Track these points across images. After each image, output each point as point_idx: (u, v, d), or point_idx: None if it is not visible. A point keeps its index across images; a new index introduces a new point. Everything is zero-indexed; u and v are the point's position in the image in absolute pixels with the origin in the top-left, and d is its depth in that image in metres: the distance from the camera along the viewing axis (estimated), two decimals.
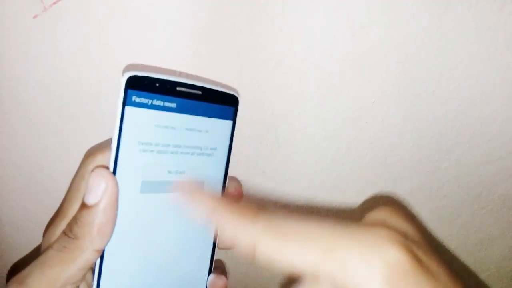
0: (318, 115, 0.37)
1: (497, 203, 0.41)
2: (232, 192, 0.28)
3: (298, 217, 0.18)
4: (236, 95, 0.27)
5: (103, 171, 0.21)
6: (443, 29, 0.34)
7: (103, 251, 0.22)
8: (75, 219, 0.21)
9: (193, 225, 0.26)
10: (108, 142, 0.22)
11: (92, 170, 0.21)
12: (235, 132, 0.27)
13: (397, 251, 0.16)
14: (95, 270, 0.22)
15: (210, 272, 0.27)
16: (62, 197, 0.34)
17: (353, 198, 0.41)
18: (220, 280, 0.28)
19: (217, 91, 0.25)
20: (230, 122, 0.27)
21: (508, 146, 0.38)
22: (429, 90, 0.36)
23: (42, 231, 0.26)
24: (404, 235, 0.17)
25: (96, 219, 0.20)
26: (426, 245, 0.18)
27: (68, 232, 0.21)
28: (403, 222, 0.18)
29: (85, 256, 0.20)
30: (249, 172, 0.40)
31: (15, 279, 0.20)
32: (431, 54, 0.35)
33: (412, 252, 0.16)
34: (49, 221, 0.24)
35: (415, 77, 0.36)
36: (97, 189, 0.20)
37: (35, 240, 0.44)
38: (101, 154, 0.23)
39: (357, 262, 0.16)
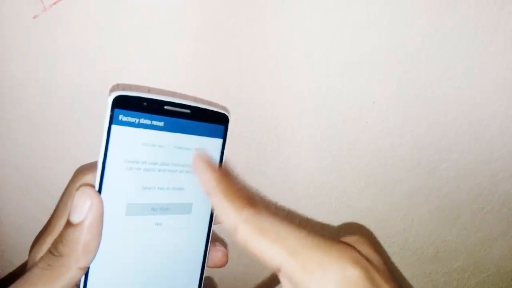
0: (318, 115, 0.37)
1: (497, 203, 0.41)
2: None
3: (280, 220, 0.21)
4: (226, 114, 0.27)
5: (88, 190, 0.21)
6: (443, 29, 0.34)
7: (88, 270, 0.22)
8: (60, 237, 0.21)
9: (181, 246, 0.26)
10: None
11: (77, 189, 0.21)
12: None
13: (355, 268, 0.18)
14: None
15: (200, 286, 0.27)
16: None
17: (353, 198, 0.41)
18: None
19: (207, 109, 0.25)
20: (220, 140, 0.27)
21: (508, 146, 0.38)
22: (429, 90, 0.36)
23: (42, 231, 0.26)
24: (366, 259, 0.19)
25: (81, 237, 0.21)
26: (386, 273, 0.19)
27: (53, 250, 0.21)
28: (370, 249, 0.20)
29: (70, 274, 0.20)
30: (249, 172, 0.40)
31: None
32: (431, 54, 0.35)
33: (368, 273, 0.18)
34: (35, 237, 0.25)
35: (415, 77, 0.36)
36: (82, 208, 0.21)
37: None
38: (90, 173, 0.23)
39: (315, 268, 0.18)
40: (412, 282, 0.46)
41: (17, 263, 0.43)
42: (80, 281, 0.22)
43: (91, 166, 0.23)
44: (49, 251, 0.21)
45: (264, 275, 0.44)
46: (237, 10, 0.33)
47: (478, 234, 0.43)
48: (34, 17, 0.32)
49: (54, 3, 0.32)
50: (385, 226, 0.42)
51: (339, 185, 0.41)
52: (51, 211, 0.26)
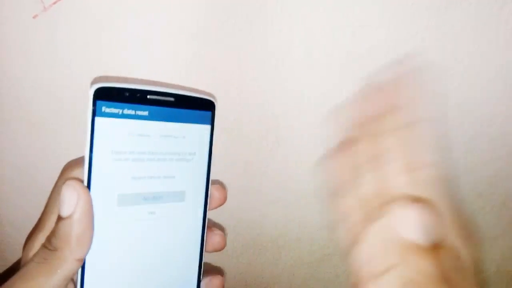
0: (318, 115, 0.37)
1: (497, 203, 0.41)
2: (216, 197, 0.28)
3: None
4: (211, 99, 0.26)
5: (73, 183, 0.21)
6: (443, 29, 0.34)
7: (84, 263, 0.22)
8: (53, 231, 0.22)
9: (177, 234, 0.26)
10: None
11: (64, 183, 0.22)
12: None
13: None
14: (77, 282, 0.22)
15: (199, 277, 0.27)
16: None
17: None
18: (216, 279, 0.28)
19: (191, 96, 0.25)
20: (208, 127, 0.26)
21: (508, 146, 0.38)
22: (429, 90, 0.36)
23: None
24: None
25: (73, 229, 0.21)
26: None
27: (48, 244, 0.21)
28: None
29: (67, 266, 0.21)
30: (249, 172, 0.40)
31: None
32: (431, 54, 0.35)
33: None
34: (28, 235, 0.25)
35: (415, 77, 0.36)
36: (69, 201, 0.21)
37: None
38: (78, 167, 0.23)
39: None
40: None
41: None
42: (77, 273, 0.22)
43: (79, 161, 0.23)
44: (44, 246, 0.22)
45: (264, 275, 0.44)
46: (237, 10, 0.33)
47: (478, 234, 0.43)
48: (34, 17, 0.32)
49: (54, 3, 0.32)
50: None
51: None
52: None
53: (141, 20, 0.33)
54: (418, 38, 0.34)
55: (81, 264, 0.21)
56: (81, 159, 0.23)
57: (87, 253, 0.21)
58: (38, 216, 0.40)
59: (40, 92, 0.35)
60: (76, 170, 0.23)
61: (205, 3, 0.33)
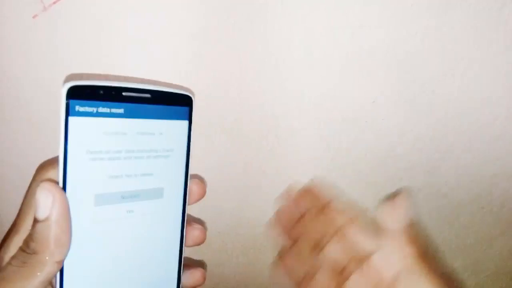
0: (318, 115, 0.37)
1: (497, 203, 0.41)
2: (195, 191, 0.28)
3: None
4: (189, 94, 0.26)
5: (48, 185, 0.21)
6: (443, 29, 0.34)
7: (62, 265, 0.22)
8: (30, 235, 0.21)
9: (156, 231, 0.25)
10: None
11: (38, 185, 0.21)
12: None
13: None
14: (56, 285, 0.22)
15: (179, 272, 0.27)
16: None
17: (353, 198, 0.41)
18: (197, 271, 0.28)
19: (168, 92, 0.25)
20: (185, 122, 0.26)
21: (508, 146, 0.38)
22: (429, 90, 0.36)
23: None
24: None
25: (51, 232, 0.20)
26: None
27: (26, 248, 0.21)
28: None
29: (47, 269, 0.20)
30: (249, 172, 0.40)
31: None
32: (431, 54, 0.35)
33: None
34: (2, 238, 0.24)
35: (415, 77, 0.36)
36: (45, 203, 0.21)
37: None
38: (52, 168, 0.23)
39: None
40: None
41: None
42: (56, 276, 0.22)
43: (53, 161, 0.23)
44: (21, 250, 0.21)
45: (264, 275, 0.44)
46: (237, 10, 0.33)
47: (478, 234, 0.43)
48: (34, 17, 0.32)
49: (54, 3, 0.32)
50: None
51: (339, 185, 0.41)
52: None
53: (141, 20, 0.33)
54: (418, 38, 0.34)
55: (60, 266, 0.21)
56: (55, 159, 0.22)
57: (66, 255, 0.21)
58: None
59: (40, 92, 0.35)
60: (51, 171, 0.23)
61: (205, 3, 0.33)
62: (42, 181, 0.21)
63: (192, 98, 0.26)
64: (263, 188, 0.41)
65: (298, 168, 0.40)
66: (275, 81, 0.36)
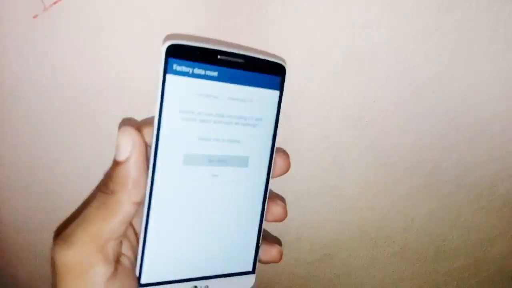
0: (318, 115, 0.37)
1: (497, 203, 0.41)
2: (279, 165, 0.28)
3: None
4: (283, 63, 0.26)
5: (129, 129, 0.22)
6: (443, 29, 0.34)
7: (148, 215, 0.22)
8: (109, 176, 0.22)
9: (238, 199, 0.26)
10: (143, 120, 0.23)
11: (119, 130, 0.22)
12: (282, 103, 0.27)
13: None
14: (141, 233, 0.23)
15: (258, 244, 0.27)
16: (63, 197, 0.34)
17: (353, 198, 0.41)
18: (274, 248, 0.28)
19: (262, 59, 0.25)
20: (276, 92, 0.26)
21: (508, 146, 0.38)
22: (429, 89, 0.36)
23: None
24: None
25: (130, 173, 0.21)
26: None
27: (105, 189, 0.22)
28: None
29: (124, 209, 0.21)
30: None
31: (59, 238, 0.21)
32: (431, 54, 0.35)
33: None
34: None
35: (415, 77, 0.36)
36: (125, 146, 0.22)
37: (35, 240, 0.44)
38: (144, 126, 0.23)
39: None
40: (412, 282, 0.46)
41: (17, 263, 0.43)
42: (140, 226, 0.22)
43: (128, 119, 0.24)
44: (100, 191, 0.22)
45: (264, 275, 0.44)
46: (237, 10, 0.33)
47: (478, 234, 0.43)
48: (34, 17, 0.32)
49: (54, 3, 0.32)
50: (385, 226, 0.42)
51: (339, 185, 0.41)
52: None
53: (141, 20, 0.33)
54: (418, 38, 0.34)
55: (137, 207, 0.22)
56: (136, 121, 0.23)
57: (143, 196, 0.22)
58: (39, 216, 0.40)
59: (40, 92, 0.35)
60: (146, 129, 0.23)
61: (205, 3, 0.33)
62: (122, 126, 0.22)
63: (285, 68, 0.26)
64: None
65: (299, 168, 0.40)
66: None
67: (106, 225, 0.21)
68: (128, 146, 0.21)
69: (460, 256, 0.44)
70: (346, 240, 0.43)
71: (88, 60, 0.34)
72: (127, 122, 0.24)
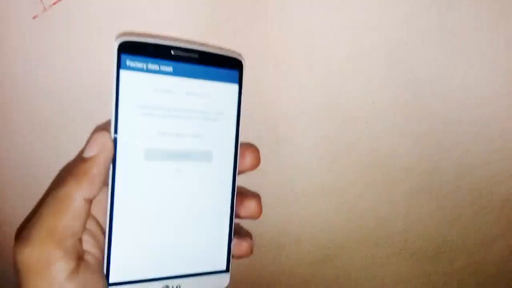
0: (318, 115, 0.37)
1: (497, 203, 0.41)
2: (249, 159, 0.28)
3: None
4: (239, 57, 0.26)
5: (103, 132, 0.22)
6: (443, 29, 0.34)
7: (112, 215, 0.22)
8: (68, 171, 0.22)
9: (205, 194, 0.26)
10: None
11: (94, 130, 0.23)
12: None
13: None
14: (106, 230, 0.22)
15: (230, 238, 0.27)
16: None
17: (353, 198, 0.41)
18: (245, 242, 0.28)
19: (216, 54, 0.25)
20: (235, 86, 0.26)
21: (508, 147, 0.38)
22: (429, 90, 0.36)
23: None
24: None
25: (88, 170, 0.21)
26: None
27: (61, 181, 0.22)
28: None
29: (75, 205, 0.21)
30: (249, 172, 0.40)
31: (18, 237, 0.22)
32: (431, 54, 0.35)
33: None
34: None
35: (415, 77, 0.36)
36: (94, 146, 0.22)
37: None
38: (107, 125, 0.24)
39: None
40: (412, 282, 0.46)
41: None
42: (105, 225, 0.22)
43: (107, 123, 0.24)
44: (56, 184, 0.22)
45: (264, 275, 0.44)
46: (237, 10, 0.33)
47: (478, 234, 0.43)
48: (34, 17, 0.32)
49: (54, 3, 0.32)
50: (385, 226, 0.42)
51: (339, 185, 0.40)
52: None
53: (141, 20, 0.33)
54: (418, 38, 0.34)
55: (89, 205, 0.22)
56: (108, 122, 0.23)
57: (95, 196, 0.22)
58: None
59: (40, 92, 0.35)
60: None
61: (205, 3, 0.33)
62: (98, 128, 0.23)
63: (242, 62, 0.26)
64: (263, 188, 0.40)
65: (298, 168, 0.40)
66: (275, 81, 0.36)
67: (58, 221, 0.21)
68: (97, 146, 0.22)
69: (460, 256, 0.44)
70: (346, 240, 0.43)
71: (88, 60, 0.34)
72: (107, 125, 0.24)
